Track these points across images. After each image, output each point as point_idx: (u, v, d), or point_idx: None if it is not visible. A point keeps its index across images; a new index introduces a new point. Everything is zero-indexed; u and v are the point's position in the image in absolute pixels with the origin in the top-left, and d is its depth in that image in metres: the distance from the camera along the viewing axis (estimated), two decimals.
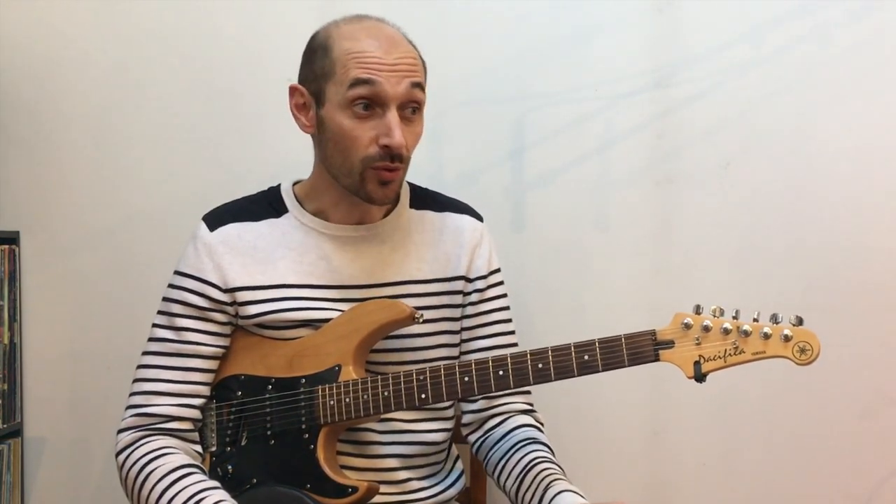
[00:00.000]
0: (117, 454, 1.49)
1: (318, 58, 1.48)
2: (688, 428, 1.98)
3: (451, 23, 1.97)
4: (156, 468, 1.44)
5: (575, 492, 1.43)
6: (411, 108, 1.47)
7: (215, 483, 1.44)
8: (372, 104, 1.44)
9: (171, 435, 1.50)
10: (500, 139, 1.99)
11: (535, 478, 1.48)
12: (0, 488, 1.95)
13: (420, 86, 1.47)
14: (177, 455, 1.46)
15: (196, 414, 1.52)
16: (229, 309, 1.52)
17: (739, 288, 1.95)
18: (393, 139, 1.43)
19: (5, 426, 1.96)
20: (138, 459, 1.46)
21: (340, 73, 1.45)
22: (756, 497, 1.97)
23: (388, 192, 1.49)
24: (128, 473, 1.46)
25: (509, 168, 1.99)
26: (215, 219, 1.56)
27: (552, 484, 1.45)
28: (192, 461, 1.47)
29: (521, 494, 1.49)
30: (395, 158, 1.45)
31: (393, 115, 1.44)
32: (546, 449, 1.55)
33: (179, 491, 1.40)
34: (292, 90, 1.53)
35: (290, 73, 1.55)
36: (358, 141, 1.45)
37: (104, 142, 2.01)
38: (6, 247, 1.98)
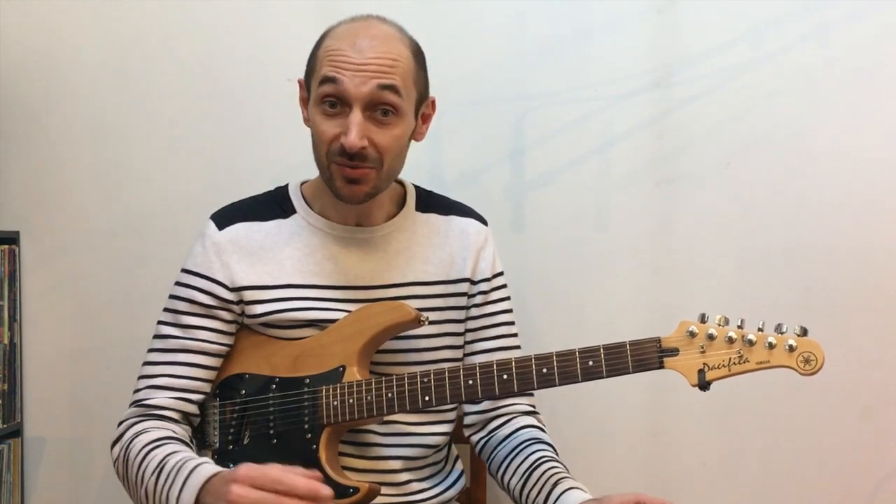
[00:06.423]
0: (112, 445, 1.49)
1: (311, 55, 1.51)
2: (688, 428, 1.98)
3: (451, 23, 1.97)
4: (137, 445, 1.42)
5: (582, 489, 1.44)
6: (381, 109, 1.45)
7: (193, 454, 1.41)
8: (338, 102, 1.44)
9: (160, 419, 1.49)
10: (500, 139, 1.99)
11: (541, 476, 1.48)
12: (0, 488, 1.95)
13: (392, 88, 1.44)
14: (157, 431, 1.45)
15: (192, 408, 1.52)
16: (235, 308, 1.52)
17: (739, 288, 1.95)
18: (347, 138, 1.42)
19: (5, 426, 1.96)
20: (127, 444, 1.45)
21: (318, 70, 1.46)
22: (756, 497, 1.98)
23: (357, 190, 1.48)
24: (117, 458, 1.47)
25: (509, 168, 1.99)
26: (224, 217, 1.56)
27: (559, 482, 1.46)
28: (173, 434, 1.45)
29: (525, 492, 1.50)
30: (355, 157, 1.44)
31: (355, 115, 1.43)
32: (551, 449, 1.56)
33: (164, 456, 1.38)
34: (299, 85, 1.55)
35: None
36: (324, 136, 1.46)
37: (104, 142, 2.01)
38: (6, 247, 1.97)
